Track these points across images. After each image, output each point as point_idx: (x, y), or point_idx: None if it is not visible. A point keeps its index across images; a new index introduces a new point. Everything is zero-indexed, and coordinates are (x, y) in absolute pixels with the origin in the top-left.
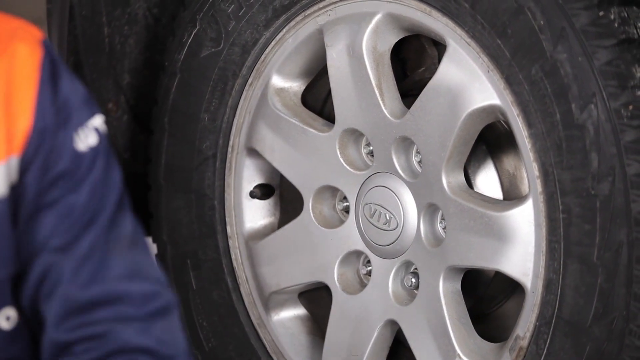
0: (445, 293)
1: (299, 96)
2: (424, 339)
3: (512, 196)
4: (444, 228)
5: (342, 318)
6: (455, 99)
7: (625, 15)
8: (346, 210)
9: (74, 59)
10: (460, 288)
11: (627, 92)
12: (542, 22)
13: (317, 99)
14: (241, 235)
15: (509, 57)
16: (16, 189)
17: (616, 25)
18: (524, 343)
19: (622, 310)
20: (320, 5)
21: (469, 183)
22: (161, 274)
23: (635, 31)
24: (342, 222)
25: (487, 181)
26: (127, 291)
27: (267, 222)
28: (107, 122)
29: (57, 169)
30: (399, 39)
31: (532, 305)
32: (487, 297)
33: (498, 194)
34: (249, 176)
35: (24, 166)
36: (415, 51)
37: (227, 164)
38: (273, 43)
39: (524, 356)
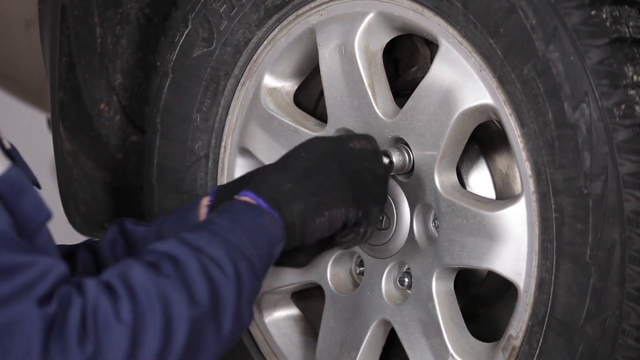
0: (438, 293)
1: (292, 96)
2: (416, 338)
3: (504, 195)
4: (437, 227)
5: (335, 318)
6: (447, 98)
7: (617, 14)
8: None
9: (67, 60)
10: (453, 288)
11: (619, 91)
12: (534, 22)
13: (310, 99)
14: None
15: (501, 56)
16: None
17: (608, 24)
18: (517, 342)
19: (615, 309)
20: (312, 4)
21: (462, 182)
22: None
23: (627, 30)
24: None
25: (480, 180)
26: None
27: None
28: (100, 123)
29: None
30: (391, 38)
31: (525, 305)
32: (480, 297)
33: (491, 194)
34: None
35: None
36: (408, 50)
37: (220, 164)
38: (265, 43)
39: (517, 356)
